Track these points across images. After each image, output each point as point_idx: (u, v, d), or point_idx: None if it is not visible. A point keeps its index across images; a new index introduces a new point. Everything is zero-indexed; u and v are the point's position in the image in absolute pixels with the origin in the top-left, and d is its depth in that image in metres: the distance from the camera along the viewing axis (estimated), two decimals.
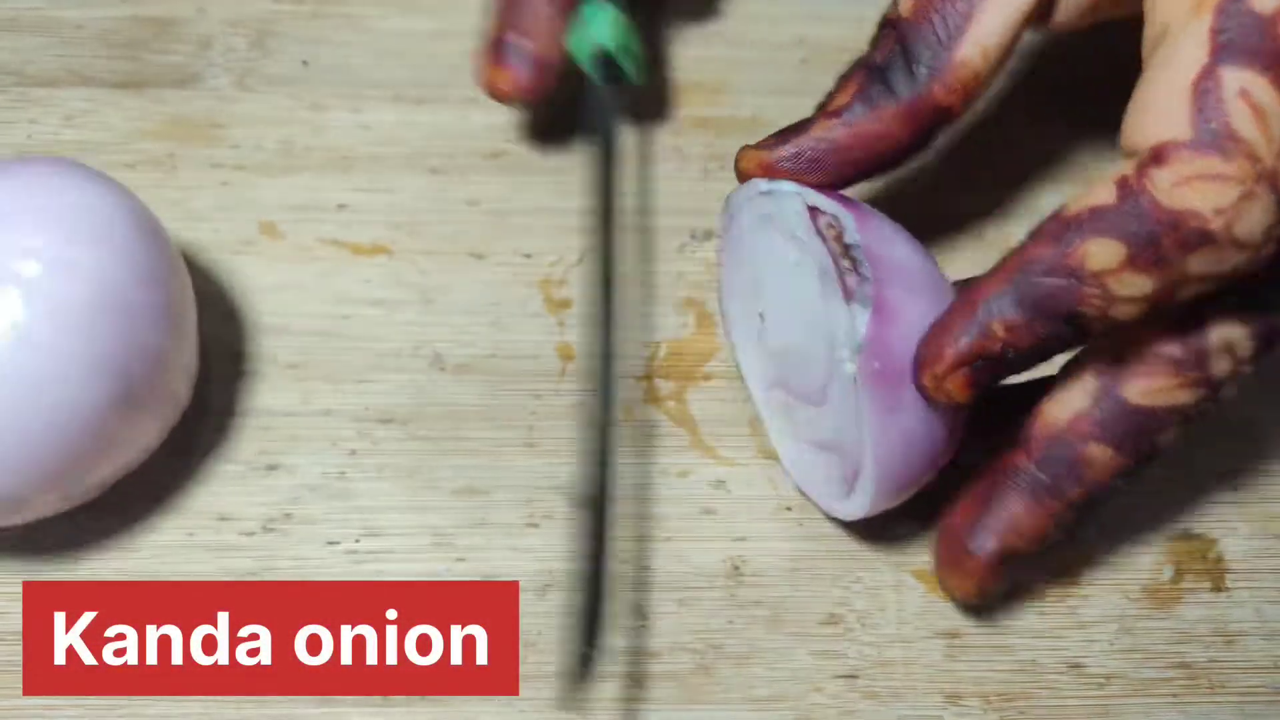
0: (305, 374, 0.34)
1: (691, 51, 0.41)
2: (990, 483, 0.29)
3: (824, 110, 0.30)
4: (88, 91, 0.39)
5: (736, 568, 0.32)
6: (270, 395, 0.34)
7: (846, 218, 0.29)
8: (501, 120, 0.39)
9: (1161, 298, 0.25)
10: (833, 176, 0.30)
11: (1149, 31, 0.25)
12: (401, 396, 0.34)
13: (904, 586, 0.33)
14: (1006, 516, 0.28)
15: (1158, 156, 0.24)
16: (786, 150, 0.30)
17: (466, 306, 0.36)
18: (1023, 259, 0.26)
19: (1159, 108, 0.24)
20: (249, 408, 0.34)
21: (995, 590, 0.30)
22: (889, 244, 0.29)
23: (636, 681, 0.31)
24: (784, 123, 0.40)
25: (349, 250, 0.37)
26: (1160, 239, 0.23)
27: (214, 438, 0.33)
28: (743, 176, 0.31)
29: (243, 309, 0.35)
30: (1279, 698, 0.32)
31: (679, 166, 0.39)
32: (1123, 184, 0.24)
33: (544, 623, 0.31)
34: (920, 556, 0.33)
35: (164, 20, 0.40)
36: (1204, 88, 0.23)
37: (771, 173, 0.30)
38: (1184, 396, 0.27)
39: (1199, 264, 0.24)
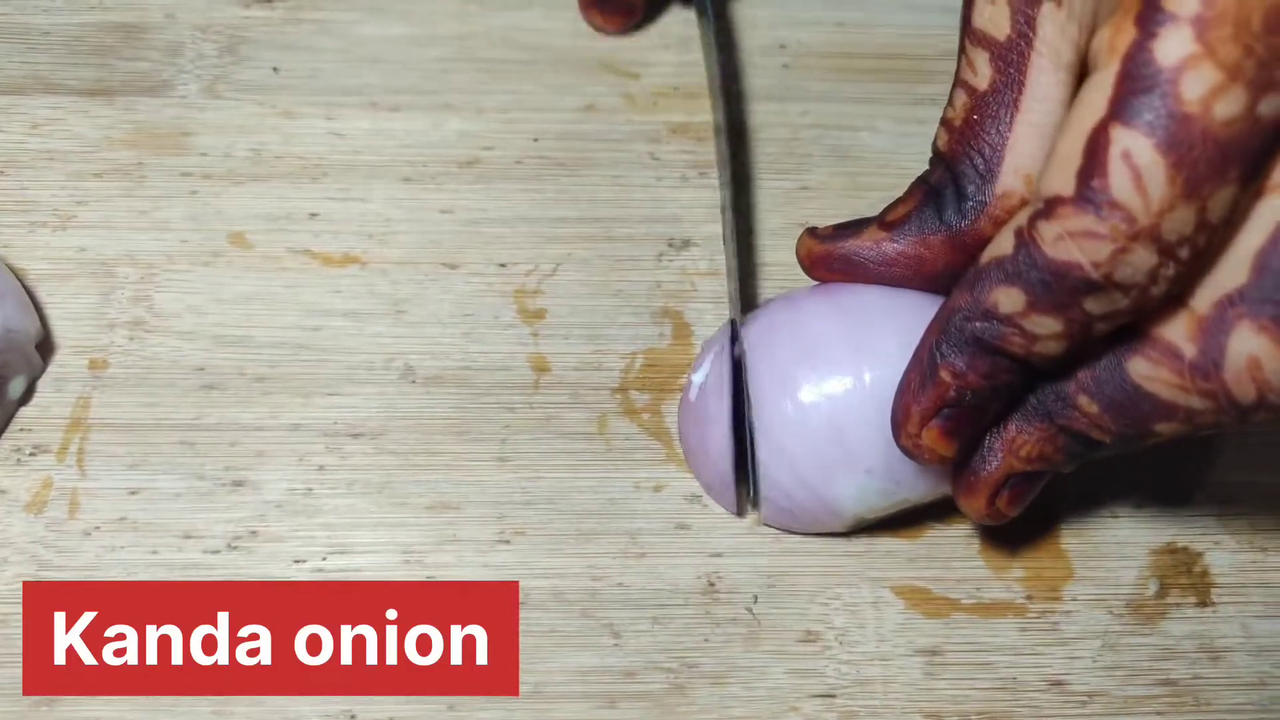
0: (273, 387, 0.34)
1: (670, 56, 0.41)
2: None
3: (881, 219, 0.30)
4: (54, 99, 0.38)
5: (712, 584, 0.32)
6: (236, 409, 0.33)
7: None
8: (476, 128, 0.39)
9: (1074, 334, 0.25)
10: (872, 283, 0.30)
11: (1090, 50, 0.25)
12: (371, 410, 0.34)
13: (883, 603, 0.32)
14: (1006, 438, 0.28)
15: (1047, 209, 0.24)
16: (837, 249, 0.30)
17: (439, 318, 0.35)
18: (949, 308, 0.26)
19: (1060, 157, 0.24)
20: (214, 422, 0.33)
21: (1007, 511, 0.29)
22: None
23: (610, 701, 0.30)
24: (763, 130, 0.40)
25: (319, 260, 0.36)
26: (1052, 287, 0.24)
27: (177, 453, 0.33)
28: (797, 255, 0.32)
29: (210, 321, 0.35)
30: (1266, 715, 0.31)
31: (657, 174, 0.38)
32: (1019, 234, 0.25)
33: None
34: (899, 572, 0.32)
35: (133, 27, 0.40)
36: (1094, 144, 0.23)
37: (817, 264, 0.31)
38: (1191, 401, 0.25)
39: (1095, 306, 0.24)
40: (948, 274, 0.29)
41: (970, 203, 0.28)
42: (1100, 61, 0.23)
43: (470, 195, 0.37)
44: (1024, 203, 0.27)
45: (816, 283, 0.32)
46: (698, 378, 0.33)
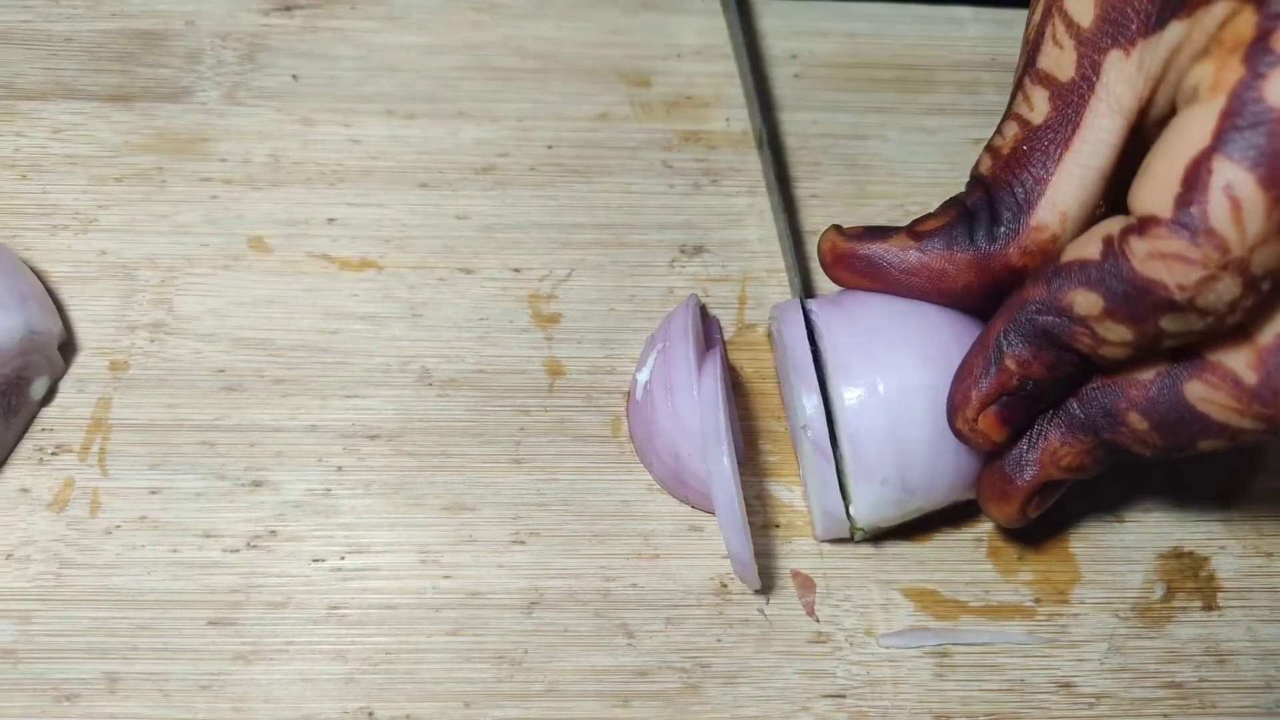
0: (292, 389, 0.34)
1: (684, 65, 0.41)
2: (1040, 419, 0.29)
3: (910, 229, 0.30)
4: (76, 105, 0.39)
5: (724, 585, 0.32)
6: (256, 410, 0.34)
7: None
8: (491, 135, 0.39)
9: (1143, 344, 0.26)
10: (890, 290, 0.31)
11: (1183, 83, 0.25)
12: (389, 412, 0.34)
13: (892, 605, 0.32)
14: (1047, 450, 0.29)
15: (1141, 226, 0.25)
16: (861, 249, 0.30)
17: (455, 322, 0.36)
18: (1021, 299, 0.27)
19: (1156, 179, 0.25)
20: (234, 423, 0.34)
21: (1033, 515, 0.30)
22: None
23: (624, 700, 0.31)
24: (774, 138, 0.40)
25: (337, 265, 0.37)
26: (1133, 300, 0.25)
27: (198, 453, 0.33)
28: (819, 250, 0.32)
29: (229, 324, 0.35)
30: (1271, 717, 0.32)
31: (670, 181, 0.39)
32: (1108, 242, 0.25)
33: (530, 640, 0.31)
34: (909, 575, 0.33)
35: (154, 34, 0.40)
36: (1195, 172, 0.24)
37: (839, 261, 0.31)
38: (1243, 423, 0.26)
39: (1171, 323, 0.25)
40: (965, 293, 0.29)
41: (1003, 229, 0.28)
42: (1200, 95, 0.24)
43: (485, 201, 0.38)
44: (1055, 239, 0.28)
45: (823, 297, 0.32)
46: (642, 376, 0.33)
